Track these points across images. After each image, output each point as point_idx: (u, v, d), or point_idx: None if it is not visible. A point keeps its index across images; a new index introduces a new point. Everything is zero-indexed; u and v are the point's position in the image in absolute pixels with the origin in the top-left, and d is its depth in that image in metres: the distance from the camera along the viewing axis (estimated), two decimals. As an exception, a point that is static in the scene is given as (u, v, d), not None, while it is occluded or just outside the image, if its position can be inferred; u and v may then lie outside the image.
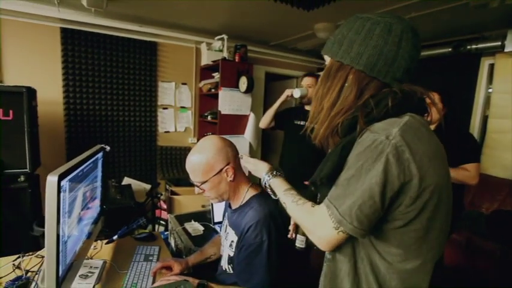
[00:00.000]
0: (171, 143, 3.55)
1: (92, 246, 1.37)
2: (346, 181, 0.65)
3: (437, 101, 1.80)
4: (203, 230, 1.82)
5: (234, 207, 1.18)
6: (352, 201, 0.62)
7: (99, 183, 1.34)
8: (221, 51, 3.31)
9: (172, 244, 1.89)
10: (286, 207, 0.82)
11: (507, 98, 2.89)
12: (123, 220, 1.54)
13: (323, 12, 2.51)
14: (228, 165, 1.08)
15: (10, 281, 1.08)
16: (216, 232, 1.79)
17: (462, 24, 2.73)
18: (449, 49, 3.00)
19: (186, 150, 3.58)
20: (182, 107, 3.58)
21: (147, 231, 1.62)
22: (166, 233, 2.14)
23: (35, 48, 2.72)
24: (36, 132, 2.12)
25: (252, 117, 3.32)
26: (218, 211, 1.82)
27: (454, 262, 2.44)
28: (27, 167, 2.00)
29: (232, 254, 1.13)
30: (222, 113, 3.16)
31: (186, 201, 2.75)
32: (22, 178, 2.03)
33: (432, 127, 1.76)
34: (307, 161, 2.19)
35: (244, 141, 3.36)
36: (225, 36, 3.19)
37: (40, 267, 1.18)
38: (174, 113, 3.53)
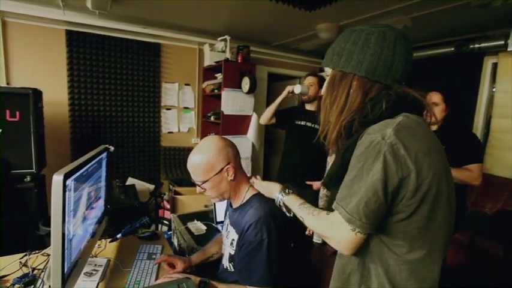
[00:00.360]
0: (175, 143, 3.58)
1: (97, 245, 1.39)
2: (350, 182, 0.70)
3: (439, 101, 1.80)
4: (206, 230, 1.84)
5: (234, 206, 1.19)
6: (357, 199, 0.67)
7: (103, 183, 1.37)
8: (224, 52, 3.33)
9: (176, 243, 1.91)
10: (304, 220, 0.85)
11: (511, 97, 2.87)
12: (127, 220, 1.56)
13: (325, 13, 2.52)
14: (228, 165, 1.10)
15: (17, 278, 1.11)
16: (218, 231, 1.80)
17: (465, 24, 2.72)
18: (452, 48, 2.99)
19: (189, 151, 3.55)
20: (185, 108, 3.61)
21: (150, 230, 1.64)
22: (169, 232, 2.16)
23: (41, 50, 2.76)
24: (42, 133, 2.16)
25: (254, 118, 3.33)
26: (220, 210, 1.84)
27: (457, 262, 2.43)
28: (33, 167, 2.03)
29: (233, 252, 1.15)
30: (225, 113, 3.18)
31: (189, 201, 2.78)
32: (28, 178, 2.06)
33: (435, 127, 1.77)
34: (308, 161, 2.21)
35: (247, 141, 3.38)
36: (227, 37, 3.21)
37: (46, 264, 1.20)
38: (178, 114, 3.56)
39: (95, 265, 1.26)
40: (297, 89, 2.18)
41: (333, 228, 0.73)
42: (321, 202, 1.91)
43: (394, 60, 0.72)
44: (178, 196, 2.86)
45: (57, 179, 0.79)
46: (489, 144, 3.02)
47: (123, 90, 3.19)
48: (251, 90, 3.17)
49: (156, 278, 1.22)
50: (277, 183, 1.05)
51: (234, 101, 3.23)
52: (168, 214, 2.85)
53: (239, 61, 3.22)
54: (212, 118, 3.46)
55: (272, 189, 1.03)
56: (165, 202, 2.98)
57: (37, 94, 2.07)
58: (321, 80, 2.21)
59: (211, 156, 1.08)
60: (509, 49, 2.64)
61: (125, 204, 2.49)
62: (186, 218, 1.97)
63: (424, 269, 0.71)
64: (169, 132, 3.54)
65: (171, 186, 3.32)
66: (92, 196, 1.20)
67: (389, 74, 0.73)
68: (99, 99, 3.07)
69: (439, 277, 0.73)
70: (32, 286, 1.07)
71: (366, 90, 0.75)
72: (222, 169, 1.09)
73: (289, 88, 2.27)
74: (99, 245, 1.43)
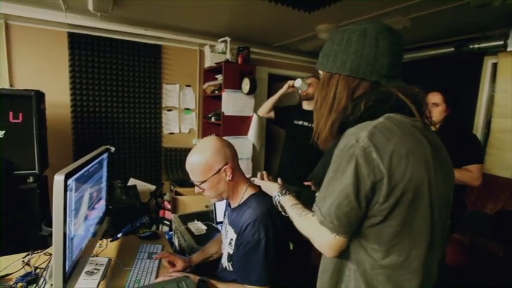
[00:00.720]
0: (176, 144, 3.60)
1: (98, 244, 1.41)
2: (326, 184, 0.71)
3: (440, 101, 1.80)
4: (206, 230, 1.86)
5: (233, 206, 1.21)
6: (330, 201, 0.68)
7: (104, 184, 1.39)
8: (224, 53, 3.35)
9: (176, 243, 1.93)
10: (293, 220, 0.86)
11: (511, 97, 2.86)
12: (128, 220, 1.58)
13: (324, 14, 2.53)
14: (226, 165, 1.11)
15: (20, 276, 1.13)
16: (219, 231, 1.82)
17: (464, 24, 2.72)
18: (452, 49, 2.98)
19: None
20: (186, 109, 3.63)
21: (151, 230, 1.66)
22: (170, 233, 2.17)
23: (43, 52, 2.79)
24: (44, 135, 2.18)
25: (255, 119, 3.35)
26: (220, 211, 1.86)
27: (457, 262, 2.43)
28: (36, 168, 2.05)
29: (231, 252, 1.16)
30: (226, 114, 3.20)
31: (190, 202, 2.79)
32: (31, 179, 2.07)
33: (435, 128, 1.77)
34: (306, 160, 2.20)
35: (247, 142, 3.39)
36: (228, 39, 3.22)
37: (48, 264, 1.22)
38: (179, 115, 3.58)
39: (96, 264, 1.28)
40: (297, 82, 2.19)
41: (315, 230, 0.73)
42: None
43: (377, 56, 0.71)
44: (179, 196, 2.87)
45: (58, 178, 0.81)
46: (489, 144, 3.02)
47: (125, 91, 3.21)
48: (251, 91, 3.19)
49: (156, 277, 1.23)
50: (277, 183, 1.07)
51: (234, 102, 3.24)
52: (169, 214, 2.87)
53: (239, 62, 3.24)
54: (213, 119, 3.47)
55: (272, 188, 1.05)
56: (165, 202, 3.00)
57: (40, 96, 2.09)
58: None
59: (209, 156, 1.10)
60: (509, 49, 2.64)
61: (126, 204, 2.51)
62: (186, 218, 1.99)
63: (402, 276, 0.69)
64: (171, 133, 3.56)
65: (172, 187, 3.34)
66: (94, 196, 1.22)
67: (374, 70, 0.72)
68: (101, 100, 3.09)
69: None
70: (35, 285, 1.09)
71: (352, 89, 0.75)
72: (220, 169, 1.11)
73: (289, 82, 2.29)
74: (100, 244, 1.45)
